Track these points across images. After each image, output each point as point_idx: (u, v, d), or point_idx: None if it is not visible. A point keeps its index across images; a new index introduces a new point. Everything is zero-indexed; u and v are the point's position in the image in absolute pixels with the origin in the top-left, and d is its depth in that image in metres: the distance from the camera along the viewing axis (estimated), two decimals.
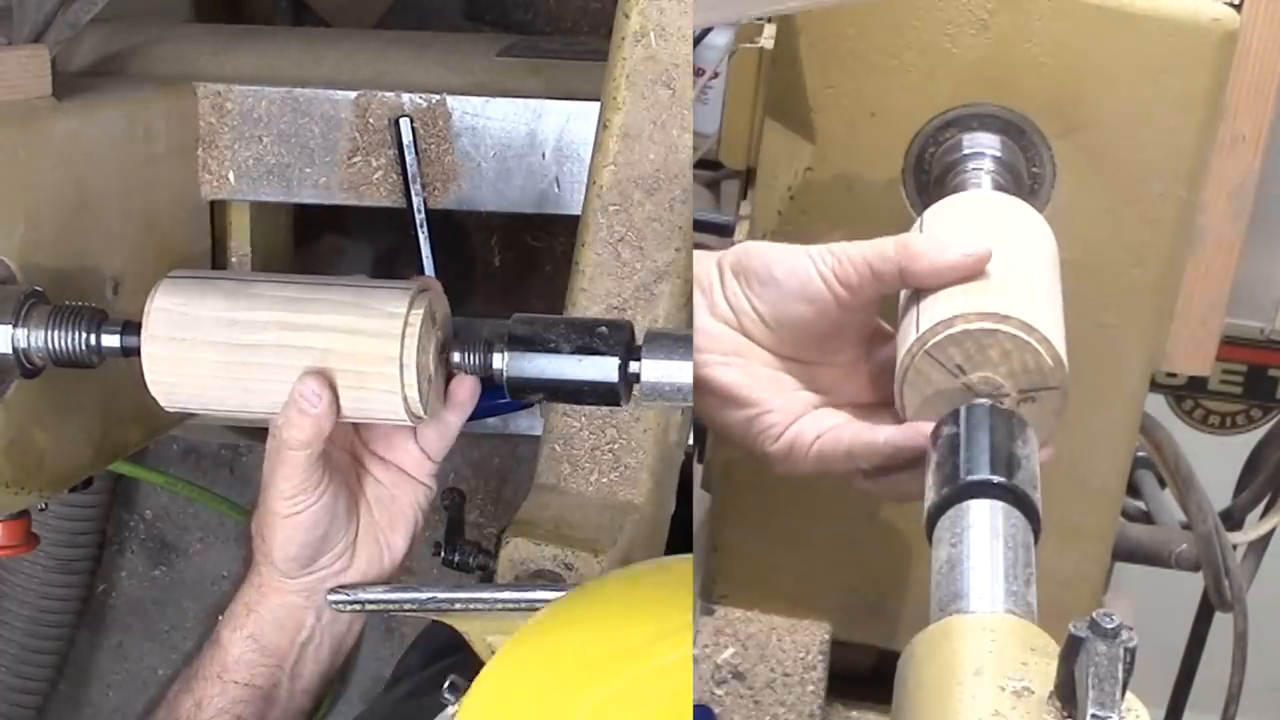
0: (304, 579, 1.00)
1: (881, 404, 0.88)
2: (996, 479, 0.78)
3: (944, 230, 0.90)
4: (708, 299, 0.89)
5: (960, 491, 0.78)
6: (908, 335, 0.85)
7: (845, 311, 0.87)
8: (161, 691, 1.06)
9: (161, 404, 0.96)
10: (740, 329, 0.88)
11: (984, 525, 0.76)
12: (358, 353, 0.92)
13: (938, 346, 0.83)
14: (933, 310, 0.85)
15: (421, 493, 1.03)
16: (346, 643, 1.06)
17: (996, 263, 0.86)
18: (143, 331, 0.94)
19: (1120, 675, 0.63)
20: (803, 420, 0.88)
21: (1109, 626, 0.63)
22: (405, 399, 0.93)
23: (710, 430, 0.91)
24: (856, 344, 0.89)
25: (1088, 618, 0.63)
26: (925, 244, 0.86)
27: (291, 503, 0.96)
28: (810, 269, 0.86)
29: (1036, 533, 0.78)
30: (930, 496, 0.80)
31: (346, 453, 1.01)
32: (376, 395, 0.93)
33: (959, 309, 0.83)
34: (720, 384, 0.88)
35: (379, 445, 1.02)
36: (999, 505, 0.77)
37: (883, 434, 0.85)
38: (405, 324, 0.92)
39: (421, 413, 0.94)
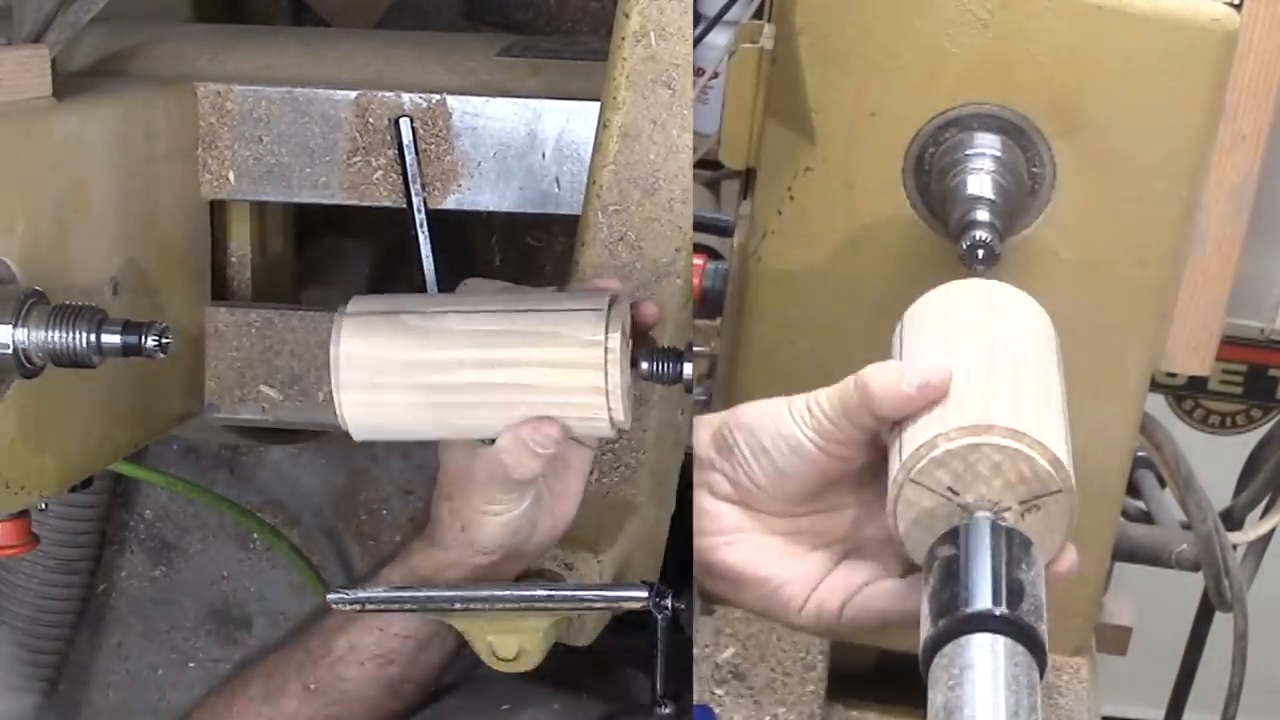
0: (494, 557, 1.01)
1: (885, 537, 0.84)
2: (998, 611, 0.73)
3: (912, 353, 0.86)
4: (704, 477, 0.87)
5: (959, 625, 0.73)
6: (893, 463, 0.81)
7: (838, 460, 0.84)
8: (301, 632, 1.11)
9: (355, 438, 0.95)
10: (741, 501, 0.86)
11: (985, 666, 0.71)
12: (561, 385, 0.92)
13: (922, 472, 0.78)
14: (913, 432, 0.80)
15: (587, 455, 1.02)
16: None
17: (977, 365, 0.82)
18: (334, 375, 0.93)
19: None
20: (823, 585, 0.85)
21: None
22: (611, 420, 0.93)
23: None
24: (860, 482, 0.86)
25: None
26: (881, 382, 0.81)
27: (496, 506, 0.97)
28: (794, 428, 0.83)
29: (1042, 668, 0.73)
30: (926, 628, 0.75)
31: None
32: (582, 420, 0.93)
33: (939, 427, 0.78)
34: (728, 566, 0.86)
35: None
36: (1001, 641, 0.72)
37: (914, 600, 0.80)
38: (605, 350, 0.91)
39: (626, 425, 0.94)
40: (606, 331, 0.92)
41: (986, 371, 0.81)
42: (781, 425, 0.84)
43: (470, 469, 0.97)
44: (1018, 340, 0.85)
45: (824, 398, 0.83)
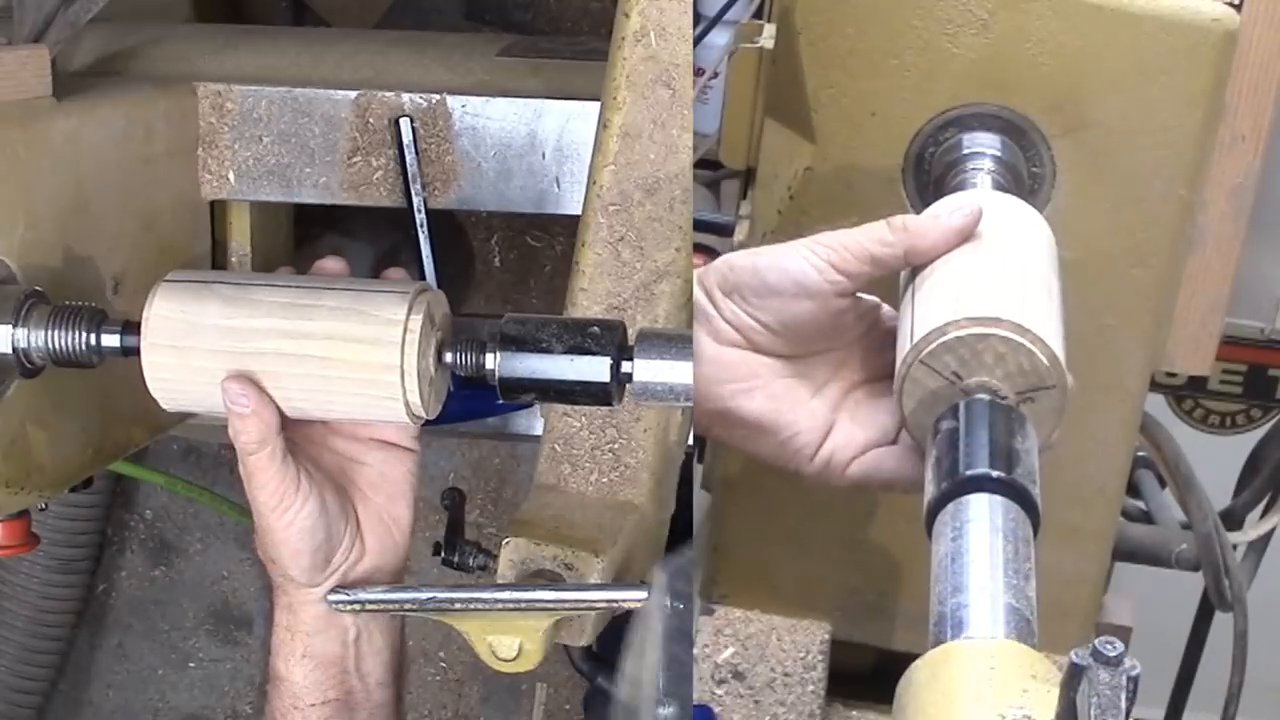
0: (326, 581, 1.00)
1: (883, 376, 0.90)
2: (995, 474, 0.78)
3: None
4: (708, 326, 0.90)
5: (959, 486, 0.79)
6: (903, 342, 0.85)
7: (844, 298, 0.88)
8: None
9: (163, 406, 0.97)
10: (749, 345, 0.90)
11: (983, 520, 0.77)
12: (358, 360, 0.92)
13: (932, 355, 0.83)
14: (925, 314, 0.85)
15: (410, 459, 1.03)
16: (395, 625, 1.06)
17: (989, 262, 0.86)
18: (142, 337, 0.94)
19: (1123, 704, 0.61)
20: (833, 436, 0.90)
21: (1111, 654, 0.61)
22: (407, 404, 0.93)
23: (742, 455, 0.93)
24: (855, 324, 0.91)
25: (1089, 645, 0.62)
26: (923, 221, 0.88)
27: (279, 512, 0.96)
28: (803, 265, 0.87)
29: (1036, 526, 0.78)
30: (930, 491, 0.80)
31: (323, 446, 1.01)
32: (378, 400, 0.93)
33: (951, 315, 0.83)
34: (748, 415, 0.89)
35: (357, 427, 1.02)
36: (998, 500, 0.78)
37: (920, 468, 0.86)
38: (405, 330, 0.92)
39: (423, 414, 0.94)
40: (409, 313, 0.92)
41: (1000, 265, 0.86)
42: (787, 261, 0.88)
43: (249, 494, 0.96)
44: (1023, 242, 0.89)
45: (846, 236, 0.87)
